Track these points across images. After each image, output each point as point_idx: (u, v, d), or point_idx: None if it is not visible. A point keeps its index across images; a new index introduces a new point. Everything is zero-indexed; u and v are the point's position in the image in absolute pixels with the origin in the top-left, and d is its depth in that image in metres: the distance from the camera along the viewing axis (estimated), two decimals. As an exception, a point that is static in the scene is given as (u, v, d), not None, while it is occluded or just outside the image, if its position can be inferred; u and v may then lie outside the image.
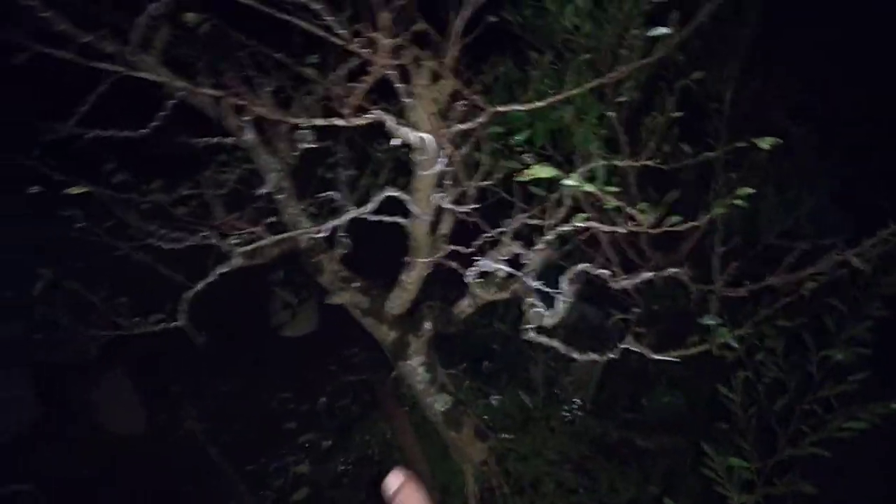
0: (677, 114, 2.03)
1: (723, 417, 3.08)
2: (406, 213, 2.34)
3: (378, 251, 3.00)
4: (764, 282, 2.11)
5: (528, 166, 2.40)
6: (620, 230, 1.91)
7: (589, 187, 1.43)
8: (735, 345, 2.04)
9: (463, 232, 2.66)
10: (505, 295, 2.40)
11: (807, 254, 2.09)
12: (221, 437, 4.31)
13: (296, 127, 2.86)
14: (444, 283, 2.83)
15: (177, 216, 2.80)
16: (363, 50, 1.62)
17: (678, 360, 2.17)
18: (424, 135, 1.94)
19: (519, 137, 2.26)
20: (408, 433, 3.10)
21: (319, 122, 1.72)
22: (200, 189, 2.84)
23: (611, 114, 2.24)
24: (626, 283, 2.03)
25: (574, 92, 1.88)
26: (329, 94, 2.03)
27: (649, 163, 2.14)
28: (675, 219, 1.70)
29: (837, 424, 1.81)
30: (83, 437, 4.48)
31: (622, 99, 2.17)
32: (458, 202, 2.52)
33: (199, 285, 2.60)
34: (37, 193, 2.41)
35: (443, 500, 2.84)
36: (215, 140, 2.77)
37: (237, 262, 2.72)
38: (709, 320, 2.14)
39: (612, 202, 1.52)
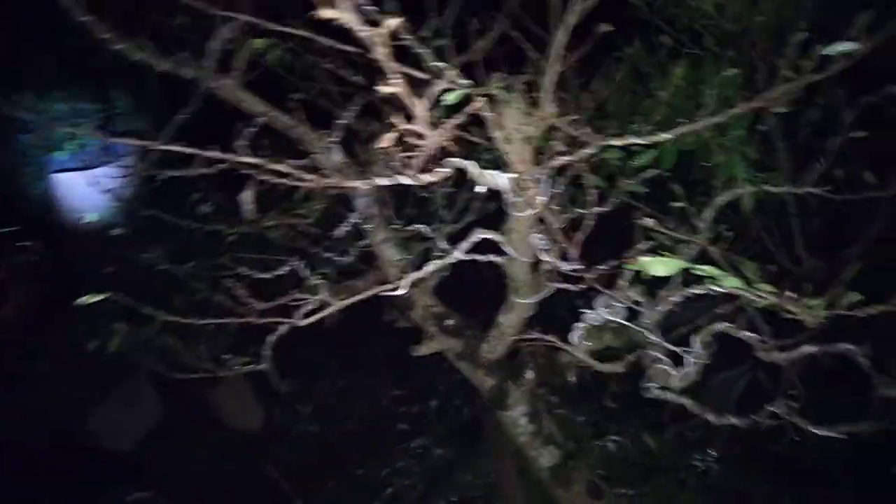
0: (859, 133, 1.54)
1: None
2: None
3: (472, 281, 2.72)
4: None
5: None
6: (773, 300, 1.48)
7: (733, 283, 1.03)
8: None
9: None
10: (619, 344, 2.03)
11: None
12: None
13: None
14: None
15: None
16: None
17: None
18: (514, 176, 1.61)
19: (643, 160, 1.85)
20: (510, 479, 2.81)
21: (383, 181, 1.42)
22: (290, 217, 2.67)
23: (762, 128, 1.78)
24: (777, 357, 1.59)
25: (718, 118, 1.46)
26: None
27: (815, 190, 1.68)
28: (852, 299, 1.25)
29: None
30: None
31: (780, 109, 1.69)
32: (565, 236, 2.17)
33: (285, 328, 2.44)
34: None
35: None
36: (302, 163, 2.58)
37: (324, 299, 2.54)
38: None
39: (767, 299, 1.11)
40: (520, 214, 1.78)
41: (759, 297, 1.09)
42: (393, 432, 4.37)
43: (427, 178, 1.41)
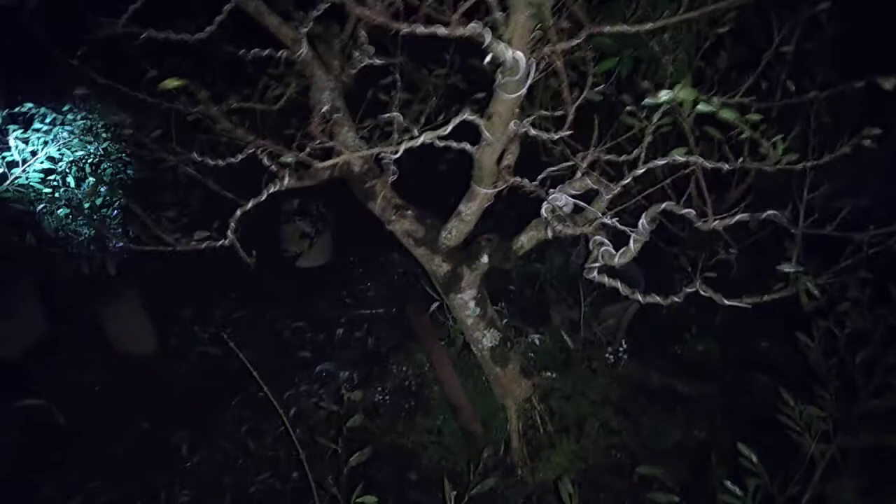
0: (786, 47, 1.90)
1: (763, 369, 3.10)
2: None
3: (423, 183, 2.89)
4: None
5: (606, 96, 2.30)
6: (725, 166, 1.82)
7: (727, 114, 1.31)
8: (817, 293, 1.98)
9: (526, 164, 2.56)
10: (571, 231, 2.31)
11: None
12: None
13: (351, 43, 2.72)
14: (497, 218, 2.74)
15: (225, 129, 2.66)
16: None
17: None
18: (519, 54, 1.81)
19: (606, 65, 2.12)
20: (447, 367, 3.06)
21: (422, 30, 1.57)
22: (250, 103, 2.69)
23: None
24: (717, 223, 1.95)
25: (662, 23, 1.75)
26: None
27: (744, 100, 2.03)
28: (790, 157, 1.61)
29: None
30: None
31: (722, 30, 2.03)
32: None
33: (250, 204, 2.50)
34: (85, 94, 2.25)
35: (484, 434, 2.83)
36: (266, 52, 2.61)
37: (288, 182, 2.61)
38: (788, 268, 2.08)
39: (748, 132, 1.41)
40: (507, 96, 1.99)
41: (751, 125, 1.38)
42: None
43: (459, 30, 1.58)
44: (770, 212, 1.86)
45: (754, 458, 1.86)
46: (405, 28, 1.56)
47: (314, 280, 5.32)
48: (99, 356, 4.44)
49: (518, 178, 2.39)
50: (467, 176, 2.40)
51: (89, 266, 4.37)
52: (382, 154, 2.63)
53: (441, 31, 1.60)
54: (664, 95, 1.36)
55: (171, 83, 1.63)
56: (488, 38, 1.71)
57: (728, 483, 1.85)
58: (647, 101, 1.39)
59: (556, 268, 3.91)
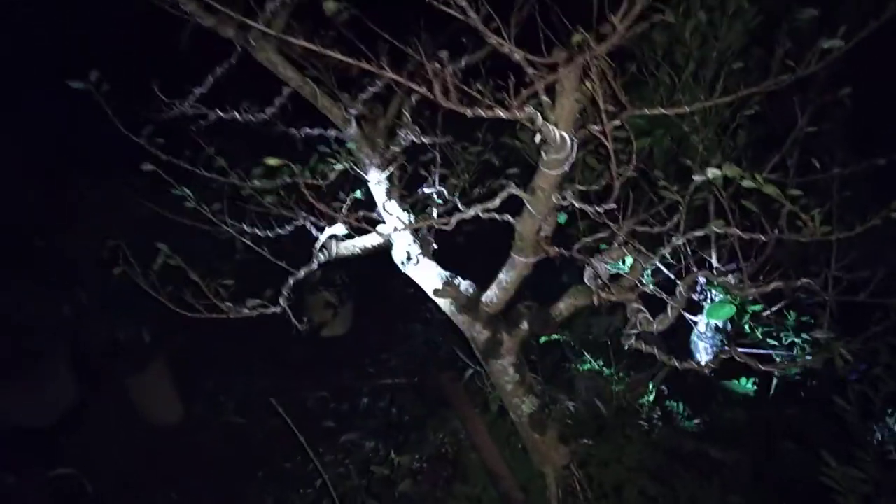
0: (810, 129, 2.07)
1: (791, 436, 3.13)
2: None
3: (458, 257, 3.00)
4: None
5: (644, 173, 2.46)
6: (762, 238, 1.94)
7: (770, 189, 1.45)
8: (849, 357, 2.06)
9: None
10: (615, 298, 2.42)
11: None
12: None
13: (395, 125, 2.91)
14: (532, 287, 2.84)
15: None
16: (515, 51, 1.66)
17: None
18: (565, 133, 1.97)
19: (642, 143, 2.29)
20: (483, 434, 3.10)
21: (484, 113, 1.74)
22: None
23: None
24: (753, 291, 2.05)
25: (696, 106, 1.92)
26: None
27: (772, 176, 2.17)
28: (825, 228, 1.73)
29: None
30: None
31: (749, 112, 2.20)
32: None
33: (302, 272, 2.62)
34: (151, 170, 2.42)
35: (525, 501, 2.84)
36: (317, 131, 2.81)
37: (335, 250, 2.75)
38: (821, 334, 2.17)
39: (787, 203, 1.54)
40: (551, 172, 2.14)
41: (790, 199, 1.52)
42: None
43: (519, 113, 1.75)
44: (804, 280, 1.96)
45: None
46: (469, 112, 1.72)
47: (338, 350, 5.39)
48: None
49: (557, 248, 2.52)
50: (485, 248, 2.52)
51: (124, 335, 4.50)
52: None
53: (503, 113, 1.76)
54: (710, 173, 1.50)
55: (272, 161, 1.80)
56: (539, 120, 1.88)
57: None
58: (696, 177, 1.52)
59: (579, 336, 3.99)
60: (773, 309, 2.27)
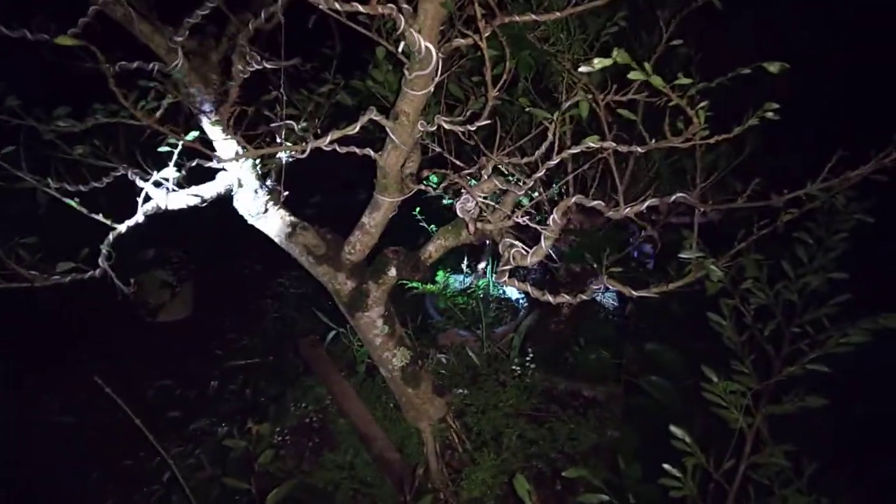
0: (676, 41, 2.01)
1: (657, 371, 3.22)
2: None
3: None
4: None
5: (507, 100, 2.31)
6: (638, 149, 1.86)
7: (657, 81, 1.34)
8: (721, 275, 2.06)
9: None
10: (490, 228, 2.26)
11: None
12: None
13: (227, 57, 2.53)
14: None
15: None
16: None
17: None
18: (430, 44, 1.76)
19: (510, 65, 2.13)
20: (351, 396, 2.86)
21: (342, 6, 1.47)
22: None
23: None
24: (628, 211, 1.98)
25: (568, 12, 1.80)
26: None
27: (637, 97, 2.11)
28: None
29: (836, 340, 1.90)
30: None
31: (612, 30, 2.12)
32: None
33: (123, 226, 2.20)
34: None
35: (401, 461, 2.65)
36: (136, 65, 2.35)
37: (163, 202, 2.34)
38: (689, 254, 2.17)
39: (675, 99, 1.44)
40: (416, 93, 1.92)
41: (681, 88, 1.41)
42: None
43: (381, 8, 1.50)
44: (679, 194, 1.92)
45: (688, 439, 1.88)
46: (323, 3, 1.45)
47: (179, 334, 4.89)
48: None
49: (423, 185, 2.32)
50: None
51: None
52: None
53: (361, 7, 1.51)
54: (598, 63, 1.36)
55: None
56: (401, 23, 1.65)
57: (667, 466, 1.85)
58: (582, 68, 1.37)
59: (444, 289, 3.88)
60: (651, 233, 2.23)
